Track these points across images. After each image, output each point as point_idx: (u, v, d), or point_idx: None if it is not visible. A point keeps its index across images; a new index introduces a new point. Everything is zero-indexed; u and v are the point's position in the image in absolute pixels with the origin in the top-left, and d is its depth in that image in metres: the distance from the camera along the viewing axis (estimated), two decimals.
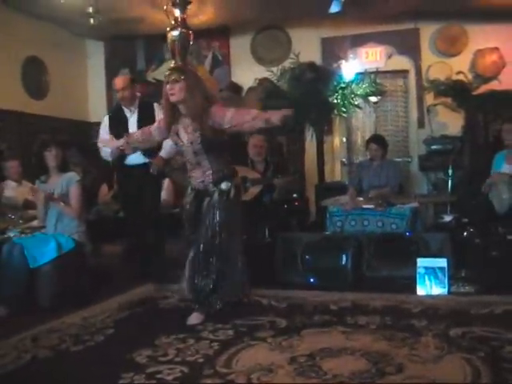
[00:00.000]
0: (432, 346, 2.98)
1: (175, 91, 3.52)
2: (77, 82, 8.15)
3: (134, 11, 6.90)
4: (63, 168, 4.65)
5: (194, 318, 3.61)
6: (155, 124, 3.89)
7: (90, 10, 6.24)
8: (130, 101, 5.05)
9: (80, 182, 4.64)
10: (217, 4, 6.85)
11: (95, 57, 8.38)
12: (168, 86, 3.54)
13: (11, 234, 4.60)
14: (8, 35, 6.75)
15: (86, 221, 4.74)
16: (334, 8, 6.19)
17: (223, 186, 3.65)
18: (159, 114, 4.61)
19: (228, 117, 3.51)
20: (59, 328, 3.57)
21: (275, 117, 3.39)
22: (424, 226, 5.51)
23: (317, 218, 6.49)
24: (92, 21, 6.30)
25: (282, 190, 5.52)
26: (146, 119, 4.65)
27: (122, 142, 4.06)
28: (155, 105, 4.98)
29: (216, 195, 3.64)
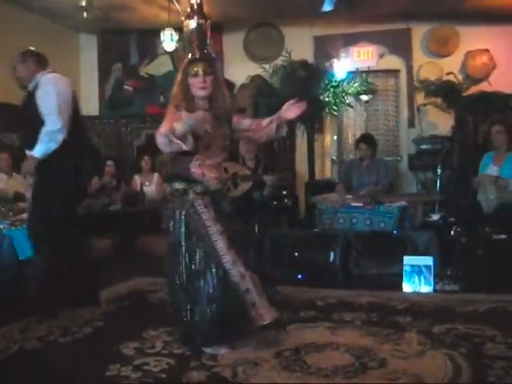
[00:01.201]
0: (415, 342, 3.04)
1: (208, 84, 3.09)
2: (69, 75, 7.99)
3: (128, 5, 6.89)
4: None
5: None
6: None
7: (84, 3, 6.23)
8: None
9: None
10: (210, 1, 6.86)
11: (88, 50, 8.36)
12: (199, 79, 3.08)
13: (1, 226, 4.60)
14: (0, 27, 6.73)
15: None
16: (327, 7, 6.22)
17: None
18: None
19: (248, 121, 3.30)
20: (47, 320, 3.59)
21: (289, 113, 3.27)
22: (412, 225, 5.56)
23: (306, 215, 6.53)
24: (85, 14, 6.29)
25: (272, 187, 5.53)
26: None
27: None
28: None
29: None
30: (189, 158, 3.04)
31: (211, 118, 3.12)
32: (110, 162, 6.96)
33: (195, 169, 3.03)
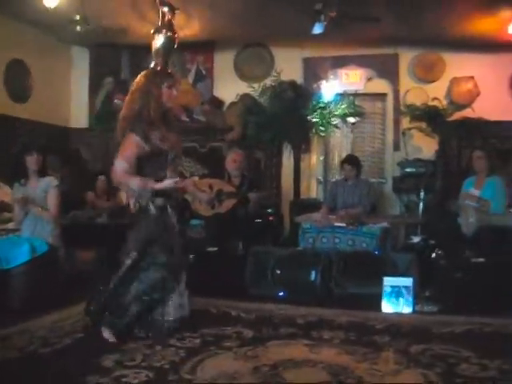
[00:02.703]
0: (392, 361, 3.09)
1: (173, 96, 3.49)
2: (60, 87, 8.17)
3: (121, 21, 6.96)
4: (42, 172, 4.71)
5: None
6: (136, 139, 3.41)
7: (77, 17, 6.30)
8: None
9: (58, 187, 4.71)
10: (203, 19, 6.96)
11: (80, 63, 8.40)
12: (168, 90, 3.42)
13: None
14: None
15: (60, 225, 4.80)
16: (317, 29, 6.34)
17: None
18: None
19: None
20: (28, 330, 3.61)
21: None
22: (394, 246, 5.64)
23: (291, 234, 6.59)
24: (78, 28, 6.36)
25: (256, 205, 5.61)
26: None
27: None
28: None
29: None
30: None
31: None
32: (102, 177, 7.00)
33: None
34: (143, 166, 3.43)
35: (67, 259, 4.81)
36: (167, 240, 3.49)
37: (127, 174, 3.36)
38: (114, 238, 6.21)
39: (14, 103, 7.18)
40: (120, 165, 3.35)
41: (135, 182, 3.38)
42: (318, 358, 3.12)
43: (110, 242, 6.20)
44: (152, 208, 3.44)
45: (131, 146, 3.36)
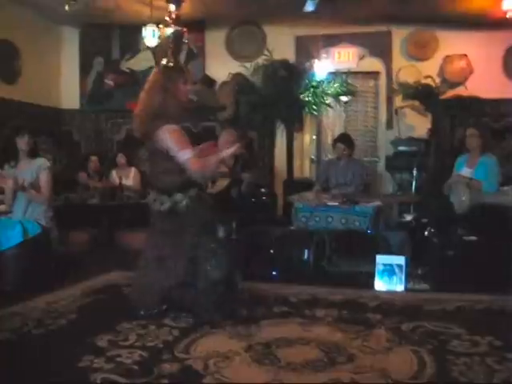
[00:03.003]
0: (384, 338, 3.12)
1: (188, 92, 3.55)
2: (50, 68, 8.10)
3: (110, 0, 6.89)
4: (34, 154, 4.68)
5: None
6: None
7: None
8: None
9: (50, 169, 4.69)
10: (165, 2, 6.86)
11: (70, 44, 8.32)
12: (183, 86, 3.46)
13: None
14: None
15: (53, 207, 4.78)
16: (309, 7, 6.29)
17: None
18: None
19: None
20: (22, 312, 3.61)
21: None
22: (387, 225, 5.66)
23: (284, 213, 6.60)
24: (67, 7, 6.29)
25: (250, 185, 5.61)
26: None
27: None
28: None
29: None
30: None
31: None
32: (93, 158, 7.01)
33: None
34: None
35: (60, 241, 4.80)
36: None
37: (198, 159, 3.30)
38: (106, 218, 6.26)
39: (3, 84, 7.11)
40: (188, 155, 3.26)
41: (212, 161, 3.33)
42: (310, 335, 3.14)
43: (103, 223, 6.24)
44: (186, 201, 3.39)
45: (177, 133, 3.32)
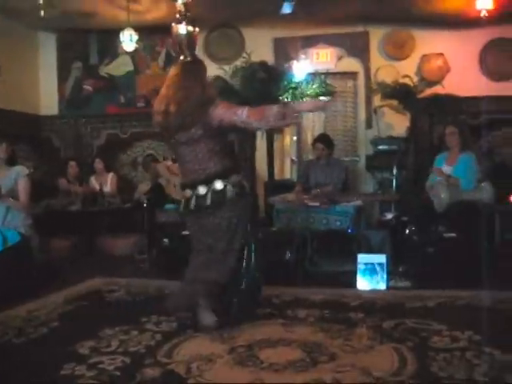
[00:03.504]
0: (365, 337, 3.14)
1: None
2: (27, 74, 8.02)
3: (87, 5, 6.85)
4: (12, 162, 4.65)
5: None
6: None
7: (41, 1, 6.18)
8: None
9: (29, 176, 4.67)
10: (170, 0, 6.87)
11: (47, 49, 8.25)
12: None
13: None
14: None
15: (32, 214, 4.75)
16: (285, 9, 6.32)
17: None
18: None
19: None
20: (2, 321, 3.59)
21: None
22: (368, 224, 5.70)
23: (266, 215, 6.61)
24: (42, 13, 6.24)
25: None
26: None
27: None
28: None
29: None
30: None
31: None
32: (72, 163, 6.96)
33: None
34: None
35: (41, 248, 4.77)
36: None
37: (256, 109, 3.34)
38: (87, 225, 6.24)
39: None
40: (247, 110, 3.28)
41: (273, 109, 3.30)
42: (292, 336, 3.16)
43: (84, 229, 6.21)
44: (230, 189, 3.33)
45: (228, 103, 3.44)
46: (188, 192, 3.40)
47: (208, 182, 3.31)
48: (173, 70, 3.53)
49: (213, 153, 3.34)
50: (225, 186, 3.31)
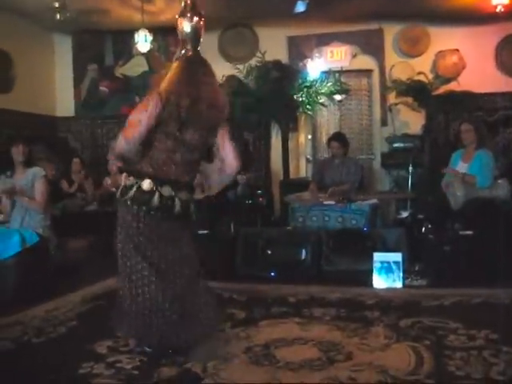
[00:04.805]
0: (382, 335, 3.14)
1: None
2: (44, 76, 8.11)
3: (102, 6, 6.90)
4: (29, 163, 4.71)
5: None
6: None
7: (57, 4, 6.24)
8: None
9: (45, 177, 4.72)
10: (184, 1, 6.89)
11: (63, 51, 8.33)
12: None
13: None
14: None
15: (51, 215, 4.80)
16: (299, 8, 6.31)
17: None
18: None
19: None
20: (22, 321, 3.63)
21: None
22: (384, 222, 5.68)
23: (281, 214, 6.62)
24: (58, 15, 6.31)
25: (245, 187, 5.64)
26: None
27: None
28: None
29: None
30: None
31: None
32: (76, 160, 7.03)
33: None
34: None
35: (58, 249, 4.82)
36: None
37: None
38: (104, 225, 6.27)
39: None
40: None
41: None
42: (309, 335, 3.17)
43: (101, 230, 6.25)
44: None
45: None
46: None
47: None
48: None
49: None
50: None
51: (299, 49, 7.71)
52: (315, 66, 7.24)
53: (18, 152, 4.61)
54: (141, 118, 2.88)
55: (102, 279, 4.82)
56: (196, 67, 3.18)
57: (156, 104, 2.91)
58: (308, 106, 7.11)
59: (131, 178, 2.97)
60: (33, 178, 4.60)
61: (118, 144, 2.94)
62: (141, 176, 2.93)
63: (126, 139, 2.89)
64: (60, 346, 3.20)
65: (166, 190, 2.89)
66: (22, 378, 2.74)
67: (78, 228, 6.01)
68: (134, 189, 2.91)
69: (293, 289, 4.24)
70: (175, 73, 3.15)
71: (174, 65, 3.34)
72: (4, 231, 4.41)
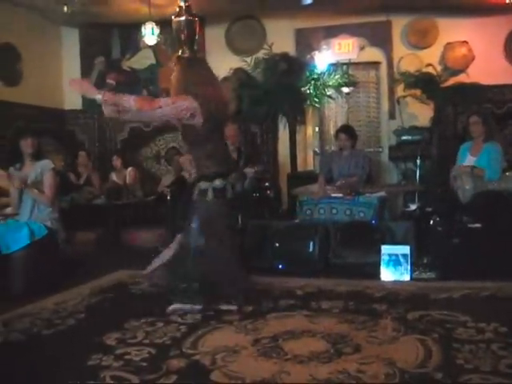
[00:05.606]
0: (390, 328, 3.13)
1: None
2: (51, 69, 8.12)
3: None
4: (38, 156, 4.72)
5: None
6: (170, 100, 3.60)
7: None
8: None
9: (54, 170, 4.74)
10: None
11: (70, 44, 8.33)
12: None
13: None
14: None
15: (59, 208, 4.82)
16: (307, 0, 6.28)
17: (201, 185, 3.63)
18: None
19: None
20: (31, 313, 3.65)
21: None
22: (392, 215, 5.66)
23: (289, 207, 6.62)
24: (66, 8, 6.31)
25: (253, 179, 5.63)
26: None
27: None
28: None
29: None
30: None
31: None
32: (82, 153, 7.07)
33: None
34: None
35: (67, 241, 4.84)
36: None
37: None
38: (112, 218, 6.31)
39: (5, 87, 7.14)
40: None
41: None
42: (317, 327, 3.17)
43: (109, 222, 6.29)
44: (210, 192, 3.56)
45: None
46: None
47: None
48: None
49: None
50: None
51: (307, 41, 7.68)
52: (323, 59, 7.22)
53: (26, 145, 4.62)
54: (163, 107, 3.45)
55: (110, 272, 4.85)
56: (198, 67, 3.77)
57: (187, 108, 3.46)
58: (316, 99, 7.10)
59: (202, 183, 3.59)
60: (42, 171, 4.61)
61: (137, 103, 3.46)
62: (210, 178, 3.57)
63: (140, 108, 3.46)
64: (69, 337, 3.22)
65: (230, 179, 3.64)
66: (32, 370, 2.76)
67: (86, 221, 6.04)
68: (211, 189, 3.55)
69: (300, 281, 4.24)
70: (182, 74, 3.43)
71: (176, 67, 3.51)
72: (13, 224, 4.44)
